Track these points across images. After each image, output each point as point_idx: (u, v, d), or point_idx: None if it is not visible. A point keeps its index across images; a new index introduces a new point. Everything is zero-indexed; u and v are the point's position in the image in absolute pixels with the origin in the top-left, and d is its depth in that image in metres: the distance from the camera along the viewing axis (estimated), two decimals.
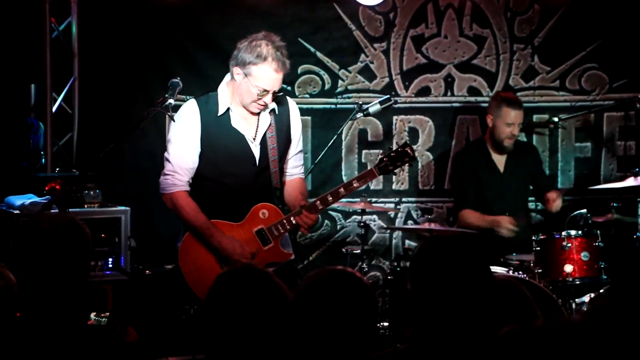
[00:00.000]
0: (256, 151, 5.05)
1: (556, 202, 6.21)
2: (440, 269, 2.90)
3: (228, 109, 5.02)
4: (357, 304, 2.74)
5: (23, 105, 6.54)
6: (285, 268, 5.03)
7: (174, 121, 5.16)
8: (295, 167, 5.24)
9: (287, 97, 5.25)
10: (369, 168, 5.22)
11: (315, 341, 2.72)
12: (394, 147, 5.11)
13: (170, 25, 6.53)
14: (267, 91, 4.92)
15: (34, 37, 6.31)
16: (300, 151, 5.26)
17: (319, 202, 5.02)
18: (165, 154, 5.09)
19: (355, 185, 5.06)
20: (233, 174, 5.04)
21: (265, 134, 5.07)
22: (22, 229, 4.28)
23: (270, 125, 5.07)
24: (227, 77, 5.05)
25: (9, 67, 6.37)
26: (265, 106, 4.99)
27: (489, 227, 6.20)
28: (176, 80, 5.10)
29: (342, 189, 5.03)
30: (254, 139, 5.05)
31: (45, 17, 6.31)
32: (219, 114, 5.02)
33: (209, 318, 2.83)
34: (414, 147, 6.82)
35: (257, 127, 5.06)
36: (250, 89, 4.92)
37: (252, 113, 5.03)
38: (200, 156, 5.03)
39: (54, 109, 6.45)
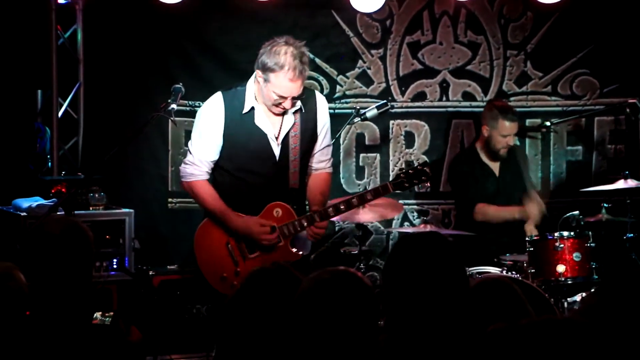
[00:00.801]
0: (277, 150, 5.12)
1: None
2: (407, 266, 2.92)
3: (252, 108, 5.09)
4: (359, 305, 2.77)
5: (30, 110, 6.56)
6: (300, 263, 5.09)
7: (176, 125, 5.27)
8: (321, 162, 5.29)
9: (316, 92, 5.32)
10: (387, 181, 5.27)
11: (317, 341, 2.74)
12: (414, 164, 5.16)
13: (173, 32, 6.60)
14: (284, 97, 4.99)
15: (40, 44, 6.35)
16: (327, 145, 5.30)
17: (331, 209, 5.10)
18: (189, 144, 5.20)
19: (368, 197, 5.15)
20: (253, 170, 5.12)
21: (288, 133, 5.12)
22: (28, 232, 4.31)
23: (294, 124, 5.13)
24: (254, 74, 5.11)
25: (16, 74, 6.40)
26: (286, 110, 5.06)
27: (513, 218, 6.27)
28: (178, 85, 5.21)
29: (355, 200, 5.12)
30: (276, 137, 5.11)
31: (52, 24, 6.35)
32: (243, 112, 5.09)
33: (234, 311, 2.89)
34: (410, 151, 7.00)
35: (281, 126, 5.12)
36: (270, 93, 5.00)
37: (275, 114, 5.11)
38: (222, 150, 5.12)
39: (59, 113, 6.50)
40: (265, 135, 5.11)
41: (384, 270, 3.01)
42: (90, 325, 3.36)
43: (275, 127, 5.13)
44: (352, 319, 2.75)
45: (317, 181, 5.29)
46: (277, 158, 5.13)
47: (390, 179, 5.11)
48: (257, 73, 5.04)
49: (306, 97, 5.17)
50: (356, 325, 2.75)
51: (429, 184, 5.24)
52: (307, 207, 5.34)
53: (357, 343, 2.76)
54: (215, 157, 5.13)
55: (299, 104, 5.12)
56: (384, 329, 2.93)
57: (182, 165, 5.23)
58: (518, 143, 6.68)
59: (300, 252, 5.21)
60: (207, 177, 5.16)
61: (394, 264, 2.97)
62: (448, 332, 2.86)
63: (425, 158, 6.97)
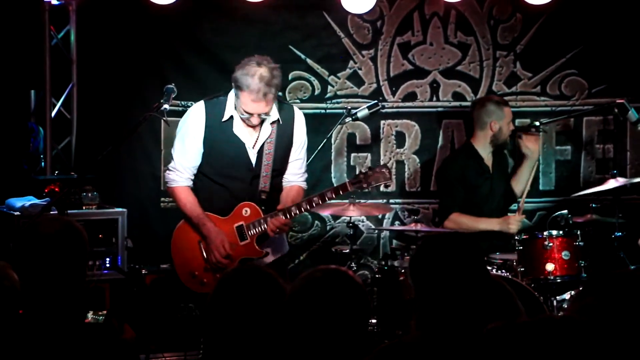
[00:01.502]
0: (253, 158, 5.31)
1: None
2: (441, 267, 2.94)
3: (231, 117, 5.26)
4: (350, 303, 2.79)
5: (23, 110, 6.59)
6: (275, 267, 5.23)
7: (168, 125, 5.37)
8: (294, 174, 5.45)
9: (295, 108, 5.48)
10: (347, 180, 5.43)
11: (309, 339, 2.76)
12: (374, 166, 5.34)
13: (166, 33, 6.64)
14: (251, 114, 5.18)
15: (34, 44, 6.39)
16: (299, 159, 5.44)
17: (294, 207, 5.27)
18: (172, 150, 5.38)
19: (328, 195, 5.31)
20: (231, 176, 5.32)
21: (264, 142, 5.31)
22: (21, 231, 4.32)
23: (271, 133, 5.31)
24: None
25: (10, 74, 6.43)
26: (253, 125, 5.24)
27: (490, 229, 6.26)
28: (171, 86, 5.28)
29: (316, 198, 5.29)
30: (253, 146, 5.30)
31: (45, 25, 6.39)
32: (223, 120, 5.27)
33: (212, 315, 2.89)
34: (401, 150, 7.05)
35: (259, 135, 5.31)
36: (240, 107, 5.21)
37: (248, 125, 5.27)
38: (203, 156, 5.31)
39: (53, 113, 6.52)
40: (242, 143, 5.30)
41: (411, 270, 3.01)
42: (83, 325, 3.38)
43: (252, 137, 5.33)
44: (344, 316, 2.77)
45: (289, 191, 5.45)
46: (253, 165, 5.32)
47: (349, 179, 5.25)
48: (233, 86, 5.25)
49: (285, 111, 5.36)
50: (348, 323, 2.77)
51: (389, 184, 5.59)
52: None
53: (348, 340, 2.77)
54: (197, 163, 5.34)
55: (275, 115, 5.30)
56: (417, 326, 2.95)
57: (166, 171, 5.45)
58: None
59: (266, 251, 5.36)
60: (188, 183, 5.38)
61: (421, 263, 2.99)
62: (474, 329, 2.84)
63: (416, 158, 7.02)
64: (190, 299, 5.90)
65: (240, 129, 5.29)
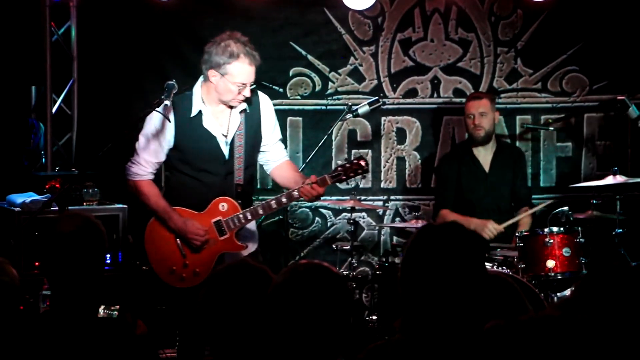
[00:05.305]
0: (226, 150, 5.29)
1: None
2: (433, 257, 2.84)
3: (200, 111, 5.24)
4: (332, 297, 2.77)
5: (24, 106, 6.60)
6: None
7: (169, 121, 5.34)
8: (279, 153, 5.45)
9: (258, 92, 5.42)
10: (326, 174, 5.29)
11: (291, 334, 2.75)
12: (351, 158, 5.31)
13: (167, 29, 6.66)
14: (245, 85, 5.15)
15: (34, 40, 6.40)
16: (279, 139, 5.46)
17: (274, 202, 5.22)
18: (136, 143, 5.31)
19: (297, 190, 5.20)
20: (206, 170, 5.29)
21: (235, 134, 5.29)
22: (42, 230, 4.26)
23: (240, 124, 5.30)
24: (201, 78, 5.26)
25: (10, 70, 6.44)
26: (245, 99, 5.22)
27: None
28: (172, 82, 5.25)
29: (295, 192, 5.20)
30: (225, 136, 5.28)
31: (46, 21, 6.40)
32: (191, 115, 5.24)
33: (205, 313, 2.86)
34: (401, 147, 7.06)
35: (229, 126, 5.30)
36: (229, 86, 5.16)
37: (230, 107, 5.26)
38: (176, 153, 5.28)
39: (53, 110, 6.54)
40: (214, 136, 5.28)
41: (403, 261, 2.92)
42: (99, 319, 3.36)
43: (223, 128, 5.30)
44: (326, 310, 2.76)
45: (285, 167, 5.46)
46: (227, 157, 5.30)
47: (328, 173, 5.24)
48: (210, 73, 5.18)
49: (250, 97, 5.31)
50: (329, 318, 2.76)
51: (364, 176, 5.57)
52: (256, 199, 5.52)
53: (330, 336, 2.77)
54: (160, 159, 5.31)
55: (244, 104, 5.27)
56: (401, 328, 2.89)
57: (129, 163, 5.38)
58: (509, 141, 6.81)
59: (246, 245, 5.35)
60: (151, 177, 5.35)
61: (414, 253, 2.88)
62: (465, 324, 2.80)
63: (416, 154, 7.04)
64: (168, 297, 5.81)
65: (210, 122, 5.27)
